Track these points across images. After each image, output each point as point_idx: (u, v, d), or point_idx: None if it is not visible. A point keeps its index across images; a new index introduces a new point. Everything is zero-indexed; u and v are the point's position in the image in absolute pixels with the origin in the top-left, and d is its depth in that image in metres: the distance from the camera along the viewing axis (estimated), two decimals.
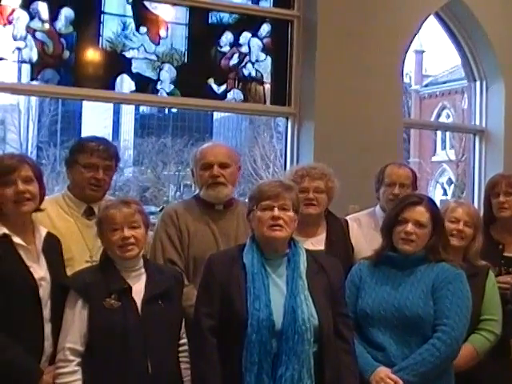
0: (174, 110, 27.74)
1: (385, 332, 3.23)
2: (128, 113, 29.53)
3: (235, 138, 27.53)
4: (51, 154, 21.34)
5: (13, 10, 4.76)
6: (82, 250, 3.36)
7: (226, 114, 23.43)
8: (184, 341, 3.09)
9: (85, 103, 24.04)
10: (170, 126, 28.97)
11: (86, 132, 26.61)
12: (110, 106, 25.08)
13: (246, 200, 3.76)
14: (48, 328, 2.92)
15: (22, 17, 4.78)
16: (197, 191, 3.72)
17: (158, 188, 22.65)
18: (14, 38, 4.78)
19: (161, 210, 4.42)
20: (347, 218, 4.08)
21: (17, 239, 2.92)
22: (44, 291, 2.93)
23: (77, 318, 2.90)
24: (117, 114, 29.31)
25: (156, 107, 21.98)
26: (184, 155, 24.46)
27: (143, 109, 29.08)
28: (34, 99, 21.82)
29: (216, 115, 29.48)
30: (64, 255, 3.20)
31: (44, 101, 22.66)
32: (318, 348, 2.92)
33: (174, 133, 27.45)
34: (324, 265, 3.11)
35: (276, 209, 2.96)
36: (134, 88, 5.19)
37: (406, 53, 6.00)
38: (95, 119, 27.46)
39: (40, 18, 4.86)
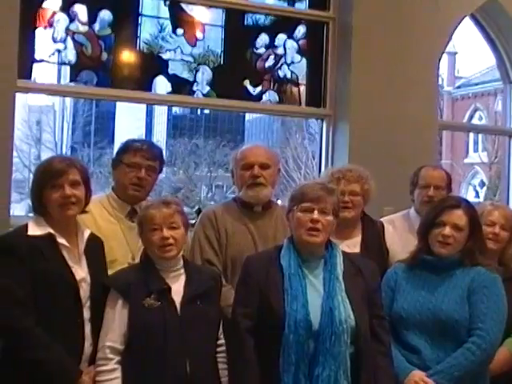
0: (207, 112, 27.84)
1: (420, 335, 3.22)
2: (161, 114, 29.68)
3: (267, 139, 27.53)
4: (85, 155, 21.54)
5: (53, 13, 4.81)
6: (125, 252, 3.39)
7: (258, 115, 23.48)
8: (222, 341, 3.11)
9: (118, 104, 24.18)
10: (202, 127, 29.06)
11: (119, 133, 26.81)
12: (143, 107, 25.27)
13: (278, 201, 3.79)
14: (88, 328, 2.96)
15: (61, 19, 4.84)
16: (230, 191, 3.74)
17: (190, 189, 22.73)
18: (54, 41, 4.83)
19: (197, 211, 4.45)
20: (381, 220, 4.08)
21: (61, 239, 2.97)
22: (84, 292, 2.97)
23: (117, 317, 2.93)
24: (150, 115, 29.47)
25: (192, 108, 22.15)
26: (216, 156, 24.52)
27: (176, 110, 29.21)
28: (68, 100, 22.04)
29: (248, 116, 29.51)
30: (107, 257, 3.24)
31: (78, 102, 22.86)
32: (354, 349, 2.92)
33: (206, 134, 27.53)
34: (361, 267, 3.11)
35: (316, 212, 2.98)
36: (170, 89, 5.22)
37: (442, 54, 5.97)
38: (128, 120, 27.64)
39: (79, 21, 4.91)
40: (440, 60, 5.91)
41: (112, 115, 28.52)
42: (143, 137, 24.13)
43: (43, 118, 22.08)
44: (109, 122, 28.43)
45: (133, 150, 3.55)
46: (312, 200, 2.99)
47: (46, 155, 21.07)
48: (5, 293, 2.83)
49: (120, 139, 24.06)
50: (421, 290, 3.30)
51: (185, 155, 24.12)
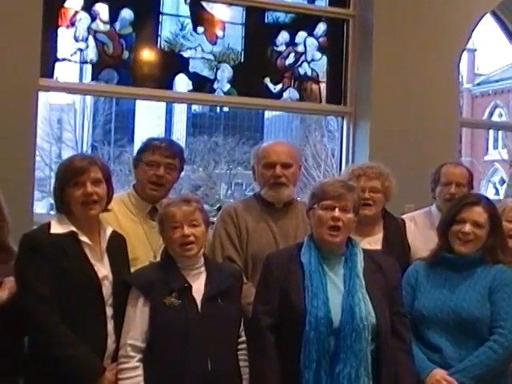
0: (226, 109, 27.87)
1: (441, 334, 3.21)
2: (180, 112, 29.73)
3: (286, 136, 27.48)
4: (105, 153, 21.62)
5: (75, 12, 4.86)
6: (146, 250, 3.40)
7: (277, 113, 23.46)
8: (243, 339, 3.10)
9: (138, 103, 24.30)
10: (221, 124, 29.07)
11: (138, 131, 26.91)
12: (163, 105, 25.32)
13: (298, 198, 3.79)
14: (111, 325, 2.97)
15: (83, 18, 4.88)
16: (249, 189, 3.73)
17: (210, 186, 22.75)
18: (76, 39, 4.87)
19: (218, 208, 4.46)
20: (403, 217, 4.07)
21: (83, 237, 2.98)
22: (106, 290, 2.98)
23: (138, 315, 2.94)
24: (169, 113, 29.53)
25: (211, 106, 22.17)
26: (235, 154, 24.51)
27: (195, 108, 29.26)
28: (89, 99, 22.15)
29: (267, 114, 29.48)
30: (129, 255, 3.24)
31: (98, 100, 22.95)
32: (375, 346, 2.92)
33: (226, 132, 27.53)
34: (381, 264, 3.11)
35: (337, 209, 2.98)
36: (191, 87, 5.24)
37: (463, 52, 5.94)
38: (148, 118, 27.71)
39: (101, 20, 4.95)
40: (461, 57, 5.88)
41: (132, 113, 28.60)
42: (163, 135, 24.20)
43: (64, 116, 22.19)
44: (129, 120, 28.52)
45: (152, 148, 3.56)
46: (333, 198, 2.99)
47: (66, 153, 21.22)
48: (29, 290, 2.85)
49: (140, 137, 24.15)
50: (442, 289, 3.29)
51: (204, 153, 24.14)
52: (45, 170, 19.28)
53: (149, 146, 3.59)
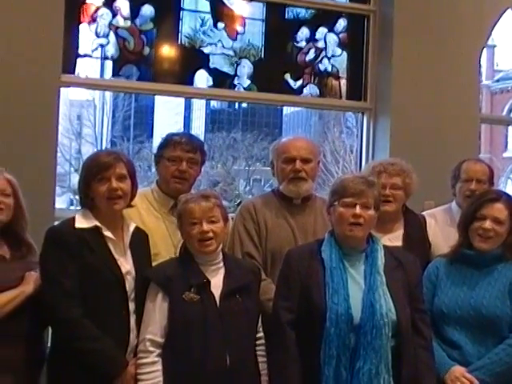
0: (244, 105, 27.84)
1: (461, 331, 3.22)
2: (199, 108, 29.75)
3: (305, 133, 27.44)
4: (124, 149, 21.66)
5: (97, 8, 4.87)
6: (168, 246, 3.41)
7: (296, 108, 23.42)
8: (261, 334, 3.12)
9: (157, 98, 24.34)
10: (240, 121, 29.07)
11: (157, 127, 26.98)
12: (182, 101, 25.34)
13: (316, 194, 3.79)
14: (133, 320, 2.99)
15: (104, 14, 4.90)
16: (268, 185, 3.74)
17: (228, 182, 22.78)
18: (97, 35, 4.89)
19: (238, 205, 4.46)
20: (423, 213, 4.06)
21: (107, 232, 3.01)
22: (129, 285, 3.00)
23: (157, 310, 2.95)
24: (188, 109, 29.57)
25: (230, 102, 22.20)
26: (254, 150, 24.50)
27: (214, 104, 29.29)
28: (108, 95, 22.22)
29: (286, 110, 29.45)
30: (151, 250, 3.27)
31: (118, 96, 23.03)
32: (395, 343, 2.92)
33: (244, 128, 27.53)
34: (402, 260, 3.11)
35: (358, 207, 2.97)
36: (211, 83, 5.24)
37: (483, 48, 5.90)
38: (167, 114, 27.78)
39: (122, 16, 4.96)
40: (481, 53, 5.85)
41: (151, 109, 28.69)
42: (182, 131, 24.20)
43: (84, 112, 22.30)
44: (148, 116, 28.60)
45: (172, 143, 3.57)
46: (353, 195, 2.98)
47: (86, 149, 21.35)
48: (54, 284, 2.88)
49: (159, 133, 24.20)
50: (462, 285, 3.29)
51: (223, 149, 24.15)
52: (65, 166, 19.38)
53: (169, 141, 3.60)
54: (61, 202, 15.63)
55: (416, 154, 4.85)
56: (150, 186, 3.71)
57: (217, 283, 3.02)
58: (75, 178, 19.42)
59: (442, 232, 3.89)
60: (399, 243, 3.67)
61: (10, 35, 4.34)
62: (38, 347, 3.06)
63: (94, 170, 3.02)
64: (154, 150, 3.75)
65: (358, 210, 2.96)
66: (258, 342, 3.10)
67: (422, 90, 5.45)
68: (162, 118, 27.69)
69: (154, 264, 3.20)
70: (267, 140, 23.87)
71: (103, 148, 20.90)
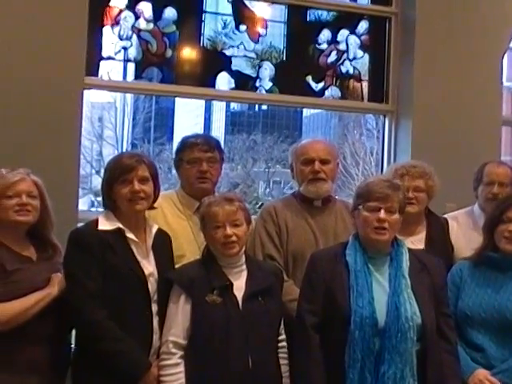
0: (264, 107, 27.81)
1: (484, 334, 3.20)
2: (219, 110, 29.75)
3: (325, 135, 27.34)
4: (145, 151, 21.69)
5: (120, 11, 4.90)
6: (193, 248, 3.41)
7: (316, 111, 23.37)
8: (283, 337, 3.11)
9: (177, 101, 24.38)
10: (260, 123, 29.01)
11: (178, 129, 26.99)
12: (202, 103, 25.36)
13: (336, 196, 3.79)
14: (156, 321, 3.00)
15: (127, 17, 4.92)
16: (288, 187, 3.74)
17: (248, 184, 22.75)
18: (120, 38, 4.91)
19: (259, 207, 4.47)
20: (445, 216, 4.04)
21: (130, 234, 3.02)
22: (152, 287, 3.01)
23: (180, 312, 2.96)
24: (208, 111, 29.56)
25: (251, 104, 22.16)
26: (274, 152, 24.44)
27: (234, 106, 29.26)
28: (129, 97, 22.28)
29: (306, 112, 29.39)
30: (176, 252, 3.28)
31: (139, 98, 23.08)
32: (420, 347, 2.91)
33: (264, 130, 27.45)
34: (427, 264, 3.10)
35: (382, 211, 2.96)
36: (233, 85, 5.25)
37: (506, 50, 5.87)
38: (187, 116, 27.79)
39: (144, 18, 4.98)
40: (504, 55, 5.81)
41: (171, 112, 28.70)
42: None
43: (105, 114, 22.36)
44: (168, 118, 28.61)
45: (189, 146, 3.59)
46: (378, 199, 2.98)
47: (107, 151, 21.40)
48: (78, 286, 2.90)
49: (179, 135, 24.14)
50: (486, 288, 3.28)
51: (243, 151, 24.10)
52: (86, 167, 19.46)
53: (186, 144, 3.62)
54: (82, 204, 15.68)
55: (438, 156, 4.84)
56: (175, 189, 3.72)
57: (239, 285, 3.02)
58: (96, 180, 19.49)
59: (464, 235, 3.87)
60: (422, 246, 3.66)
61: (35, 38, 4.37)
62: (63, 349, 3.07)
63: (117, 173, 3.04)
64: (174, 153, 3.77)
65: (382, 214, 2.96)
66: (280, 345, 3.10)
67: (443, 92, 5.43)
68: (183, 120, 27.69)
69: (178, 266, 3.21)
70: (287, 142, 23.82)
71: (124, 150, 21.01)
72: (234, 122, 29.85)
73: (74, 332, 3.09)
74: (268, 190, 23.64)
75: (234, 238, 3.00)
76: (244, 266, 3.10)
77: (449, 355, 3.01)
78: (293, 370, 3.03)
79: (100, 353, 2.88)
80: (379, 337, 2.87)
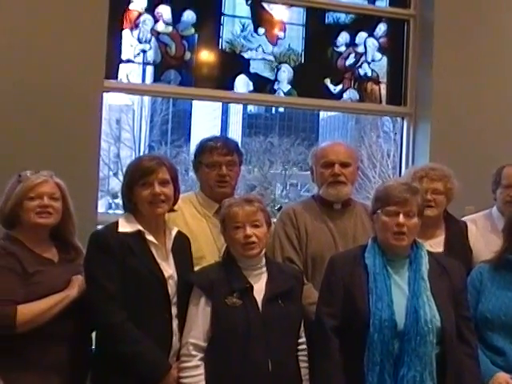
0: (281, 110, 27.80)
1: (505, 337, 3.20)
2: (236, 113, 29.77)
3: (341, 137, 27.31)
4: (162, 153, 21.73)
5: (139, 14, 4.92)
6: (213, 250, 3.42)
7: (332, 113, 23.33)
8: (303, 340, 3.11)
9: (194, 103, 24.45)
10: (277, 125, 29.01)
11: (195, 131, 27.03)
12: (219, 105, 25.36)
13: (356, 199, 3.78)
14: (175, 324, 3.01)
15: (147, 20, 4.94)
16: (304, 189, 3.73)
17: (265, 187, 22.74)
18: (140, 41, 4.94)
19: (278, 209, 4.47)
20: (464, 219, 4.03)
21: (150, 237, 3.03)
22: (171, 289, 3.02)
23: (200, 314, 2.97)
24: (225, 113, 29.59)
25: (270, 107, 22.16)
26: (290, 154, 24.42)
27: (251, 108, 29.28)
28: (146, 99, 22.33)
29: (322, 115, 29.35)
30: (195, 254, 3.29)
31: (156, 101, 23.13)
32: (440, 350, 2.90)
33: (281, 132, 27.44)
34: (446, 267, 3.10)
35: (401, 215, 2.96)
36: (251, 88, 5.26)
37: None
38: (204, 119, 27.83)
39: (164, 21, 5.00)
40: None
41: (188, 114, 28.74)
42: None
43: (123, 116, 22.43)
44: (185, 120, 28.67)
45: (208, 149, 3.59)
46: (397, 203, 2.97)
47: (124, 153, 21.46)
48: (98, 288, 2.92)
49: (196, 138, 24.21)
50: (506, 291, 3.27)
51: (260, 153, 24.10)
52: (103, 170, 19.50)
53: (205, 147, 3.62)
54: (99, 206, 15.71)
55: (456, 158, 4.83)
56: (194, 191, 3.74)
57: (259, 288, 3.03)
58: (114, 182, 19.54)
59: (483, 238, 3.86)
60: (440, 249, 3.65)
61: (55, 42, 4.40)
62: (84, 349, 3.09)
63: (137, 175, 3.04)
64: (192, 155, 3.78)
65: (401, 219, 2.95)
66: (299, 348, 3.10)
67: (462, 94, 5.40)
68: (200, 123, 27.73)
69: (198, 267, 3.22)
70: (304, 145, 23.80)
71: (141, 152, 21.07)
72: (250, 125, 29.87)
73: (94, 333, 3.11)
74: (285, 192, 23.62)
75: (253, 239, 3.01)
76: (264, 269, 3.10)
77: (469, 358, 3.00)
78: (312, 373, 3.03)
79: (120, 354, 2.89)
80: (398, 339, 2.86)
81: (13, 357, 2.71)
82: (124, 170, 3.30)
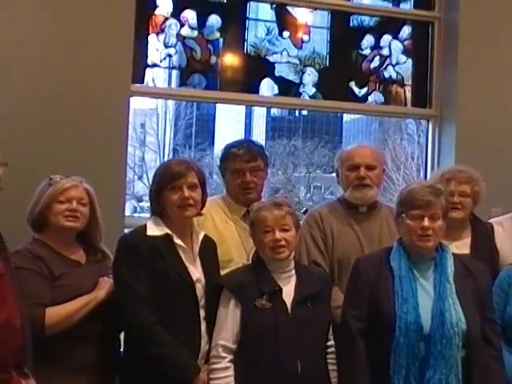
0: (305, 113, 27.75)
1: None
2: (260, 116, 29.76)
3: (365, 140, 27.22)
4: (186, 156, 21.80)
5: (165, 19, 4.95)
6: (241, 253, 3.44)
7: (356, 115, 23.28)
8: (331, 342, 3.12)
9: (218, 107, 24.46)
10: (300, 128, 28.94)
11: (219, 135, 27.09)
12: (243, 109, 25.39)
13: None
14: (203, 326, 3.03)
15: (172, 25, 4.97)
16: (328, 192, 3.73)
17: (289, 189, 22.73)
18: (166, 46, 4.96)
19: (304, 212, 4.48)
20: (490, 221, 4.02)
21: (178, 240, 3.05)
22: (199, 292, 3.04)
23: (230, 317, 2.99)
24: (249, 117, 29.59)
25: (293, 110, 22.15)
26: (314, 157, 24.39)
27: (274, 111, 29.26)
28: (171, 103, 22.41)
29: (346, 117, 29.27)
30: (224, 257, 3.32)
31: (180, 104, 23.18)
32: (466, 353, 2.90)
33: (305, 135, 27.40)
34: (472, 269, 3.09)
35: (426, 219, 2.96)
36: (276, 91, 5.26)
37: None
38: (228, 122, 27.84)
39: (189, 26, 5.02)
40: None
41: (212, 117, 28.78)
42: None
43: (147, 120, 22.51)
44: (209, 124, 28.71)
45: (232, 156, 3.59)
46: (421, 207, 2.97)
47: (149, 157, 21.55)
48: (128, 290, 2.94)
49: (220, 141, 24.26)
50: None
51: (283, 156, 24.08)
52: (129, 173, 19.51)
53: (229, 154, 3.63)
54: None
55: (482, 160, 4.79)
56: (221, 194, 3.75)
57: (288, 291, 3.04)
58: (138, 186, 19.63)
59: (509, 240, 3.83)
60: (466, 251, 3.64)
61: (83, 47, 4.42)
62: (112, 350, 3.13)
63: (166, 179, 3.06)
64: (216, 158, 3.80)
65: (426, 222, 2.96)
66: (328, 350, 3.11)
67: (487, 96, 5.37)
68: (224, 126, 27.74)
69: (226, 271, 3.24)
70: (327, 147, 23.77)
71: (166, 155, 21.14)
72: (274, 128, 29.84)
73: (122, 334, 3.14)
74: (308, 195, 23.58)
75: (282, 243, 3.03)
76: (293, 272, 3.12)
77: (494, 361, 3.00)
78: (339, 376, 3.04)
79: (149, 357, 2.91)
80: (424, 342, 2.87)
81: (41, 358, 2.71)
82: (149, 173, 3.32)
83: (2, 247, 2.53)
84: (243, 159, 3.56)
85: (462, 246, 3.65)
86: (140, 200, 18.18)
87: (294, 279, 3.09)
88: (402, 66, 5.63)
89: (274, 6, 5.28)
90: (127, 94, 4.61)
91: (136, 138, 21.21)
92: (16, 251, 2.95)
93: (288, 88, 5.29)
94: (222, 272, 3.24)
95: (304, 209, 5.91)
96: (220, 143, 22.49)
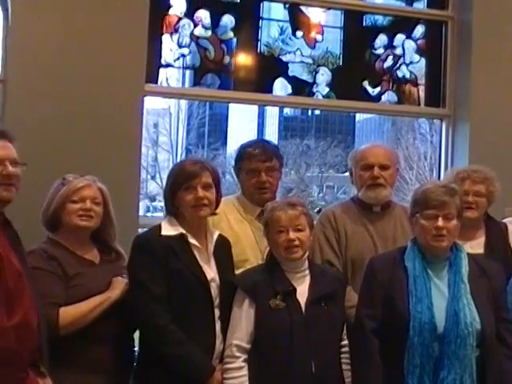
0: (317, 112, 27.74)
1: None
2: (272, 115, 29.77)
3: (377, 139, 27.17)
4: (199, 156, 21.82)
5: (179, 19, 4.96)
6: (256, 253, 3.44)
7: (369, 115, 23.24)
8: (345, 342, 3.12)
9: (231, 106, 24.48)
10: (313, 127, 28.93)
11: (231, 134, 27.14)
12: (255, 108, 25.42)
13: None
14: (218, 326, 3.03)
15: (186, 25, 4.98)
16: (341, 192, 3.72)
17: (302, 189, 22.72)
18: (179, 45, 4.97)
19: (317, 212, 4.48)
20: (504, 221, 4.00)
21: (192, 240, 3.06)
22: (214, 291, 3.04)
23: (244, 316, 2.99)
24: (261, 116, 29.60)
25: (306, 109, 22.16)
26: (327, 157, 24.36)
27: (287, 111, 29.27)
28: (183, 103, 22.45)
29: (358, 117, 29.24)
30: (239, 257, 3.33)
31: (193, 104, 23.21)
32: (480, 353, 2.89)
33: (317, 135, 27.39)
34: (486, 269, 3.08)
35: (440, 219, 2.95)
36: (290, 91, 5.27)
37: None
38: (241, 122, 27.86)
39: (203, 26, 5.04)
40: None
41: (225, 117, 28.83)
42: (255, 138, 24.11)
43: (160, 120, 22.55)
44: (222, 123, 28.76)
45: (247, 156, 3.59)
46: (435, 207, 2.97)
47: (162, 157, 21.59)
48: (144, 290, 2.95)
49: (233, 141, 24.28)
50: None
51: (296, 156, 24.06)
52: (142, 173, 19.51)
53: (244, 154, 3.63)
54: None
55: (496, 160, 4.76)
56: (236, 194, 3.75)
57: (302, 291, 3.04)
58: (151, 185, 19.67)
59: None
60: (481, 251, 3.63)
61: (97, 47, 4.45)
62: (126, 349, 3.14)
63: (181, 179, 3.07)
64: (228, 157, 3.80)
65: (440, 222, 2.95)
66: (342, 350, 3.11)
67: (501, 95, 5.36)
68: (236, 126, 27.77)
69: (242, 270, 3.25)
70: (340, 147, 23.76)
71: (179, 155, 21.17)
72: (287, 127, 29.85)
73: (137, 334, 3.15)
74: (321, 194, 23.57)
75: (296, 243, 3.03)
76: (307, 271, 3.12)
77: (509, 361, 2.99)
78: (353, 376, 3.04)
79: (164, 356, 2.92)
80: (438, 342, 2.86)
81: (55, 358, 2.73)
82: (162, 173, 3.33)
83: (19, 248, 2.55)
84: (259, 159, 3.56)
85: (476, 246, 3.64)
86: (153, 200, 18.22)
87: (308, 279, 3.09)
88: (416, 66, 5.62)
89: (287, 5, 5.29)
90: (141, 94, 4.62)
91: (149, 138, 21.25)
92: (31, 251, 2.96)
93: (301, 88, 5.30)
94: (238, 272, 3.25)
95: (317, 208, 5.89)
96: (233, 143, 22.50)
